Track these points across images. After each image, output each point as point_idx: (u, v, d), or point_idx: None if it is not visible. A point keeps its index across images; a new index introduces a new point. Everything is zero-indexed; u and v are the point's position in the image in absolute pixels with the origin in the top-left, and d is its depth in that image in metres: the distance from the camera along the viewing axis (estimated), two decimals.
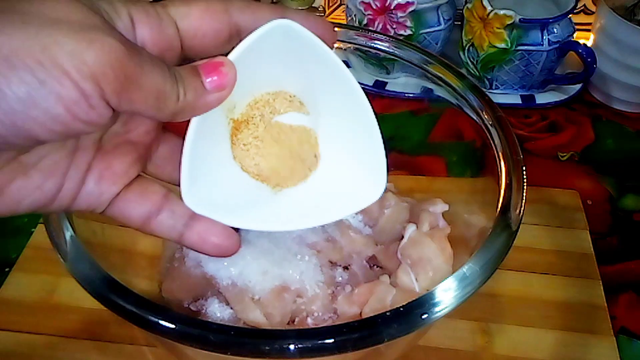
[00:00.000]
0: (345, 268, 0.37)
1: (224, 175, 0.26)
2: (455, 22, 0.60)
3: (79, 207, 0.25)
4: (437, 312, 0.26)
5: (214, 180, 0.26)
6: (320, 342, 0.25)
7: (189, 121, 0.24)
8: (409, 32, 0.57)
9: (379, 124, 0.26)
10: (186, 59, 0.24)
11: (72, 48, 0.19)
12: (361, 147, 0.26)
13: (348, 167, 0.27)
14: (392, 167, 0.42)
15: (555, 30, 0.55)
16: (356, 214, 0.40)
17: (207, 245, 0.27)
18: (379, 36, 0.41)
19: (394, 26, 0.57)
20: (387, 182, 0.27)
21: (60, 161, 0.23)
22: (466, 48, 0.58)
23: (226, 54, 0.24)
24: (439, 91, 0.39)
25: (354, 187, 0.27)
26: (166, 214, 0.26)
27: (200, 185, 0.25)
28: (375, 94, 0.57)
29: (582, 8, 0.66)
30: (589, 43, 0.59)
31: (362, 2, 0.56)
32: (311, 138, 0.27)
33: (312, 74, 0.26)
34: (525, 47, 0.55)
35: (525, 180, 0.32)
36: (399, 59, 0.41)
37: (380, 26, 0.57)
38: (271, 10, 0.25)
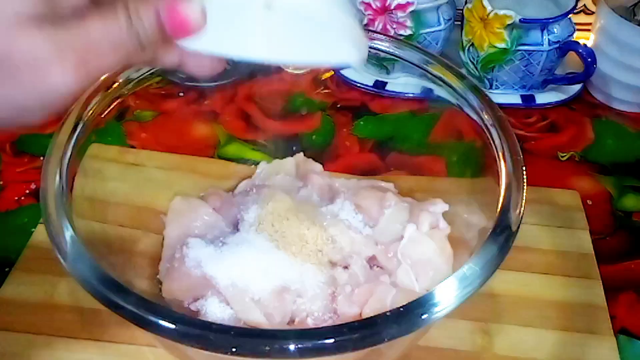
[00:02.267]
0: (346, 268, 0.37)
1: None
2: (456, 22, 0.60)
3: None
4: (437, 313, 0.26)
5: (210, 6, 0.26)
6: (320, 342, 0.25)
7: None
8: (409, 32, 0.57)
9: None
10: None
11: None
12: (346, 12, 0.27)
13: (338, 21, 0.27)
14: (393, 167, 0.42)
15: (555, 30, 0.55)
16: (356, 213, 0.40)
17: None
18: (379, 36, 0.41)
19: (394, 26, 0.57)
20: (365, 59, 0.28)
21: None
22: (466, 48, 0.58)
23: None
24: (439, 91, 0.39)
25: (342, 40, 0.27)
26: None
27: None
28: (376, 94, 0.57)
29: (582, 8, 0.66)
30: (589, 43, 0.59)
31: (362, 2, 0.56)
32: None
33: None
34: (526, 47, 0.55)
35: (525, 181, 0.32)
36: (399, 59, 0.41)
37: (380, 26, 0.57)
38: None
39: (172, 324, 0.25)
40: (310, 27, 0.27)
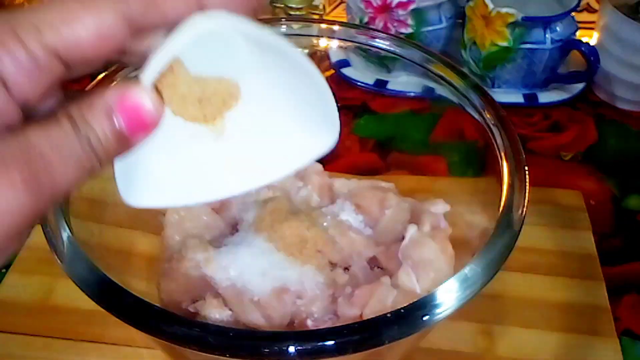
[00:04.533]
0: (346, 269, 0.37)
1: (157, 135, 0.22)
2: (457, 21, 0.59)
3: None
4: (438, 314, 0.26)
5: (148, 156, 0.22)
6: (320, 344, 0.24)
7: None
8: (410, 30, 0.56)
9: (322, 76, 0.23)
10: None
11: None
12: (306, 95, 0.24)
13: (295, 115, 0.24)
14: (393, 167, 0.42)
15: (558, 28, 0.54)
16: (356, 214, 0.40)
17: None
18: (380, 34, 0.41)
19: (395, 24, 0.56)
20: (344, 138, 0.25)
21: None
22: (468, 46, 0.58)
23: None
24: (441, 90, 0.39)
25: (306, 135, 0.24)
26: None
27: (136, 173, 0.23)
28: (376, 92, 0.57)
29: (585, 6, 0.66)
30: (592, 41, 0.58)
31: (363, 0, 0.56)
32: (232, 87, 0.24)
33: (246, 62, 0.23)
34: (528, 46, 0.55)
35: (527, 181, 0.31)
36: (400, 58, 0.40)
37: (381, 24, 0.57)
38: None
39: (171, 325, 0.25)
40: (270, 142, 0.24)
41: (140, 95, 0.20)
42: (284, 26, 0.43)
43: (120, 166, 0.22)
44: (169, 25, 0.20)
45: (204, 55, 0.21)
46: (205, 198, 0.25)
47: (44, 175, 0.18)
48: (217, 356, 0.25)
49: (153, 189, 0.23)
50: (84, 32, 0.19)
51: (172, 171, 0.23)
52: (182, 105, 0.22)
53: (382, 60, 0.57)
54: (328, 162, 0.47)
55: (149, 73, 0.20)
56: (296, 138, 0.25)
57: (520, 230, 0.29)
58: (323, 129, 0.24)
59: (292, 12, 0.62)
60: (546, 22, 0.54)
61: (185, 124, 0.23)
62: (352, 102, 0.55)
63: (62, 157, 0.18)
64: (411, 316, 0.26)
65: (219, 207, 0.42)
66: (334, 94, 0.24)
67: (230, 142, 0.24)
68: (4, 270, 0.42)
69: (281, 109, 0.24)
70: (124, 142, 0.20)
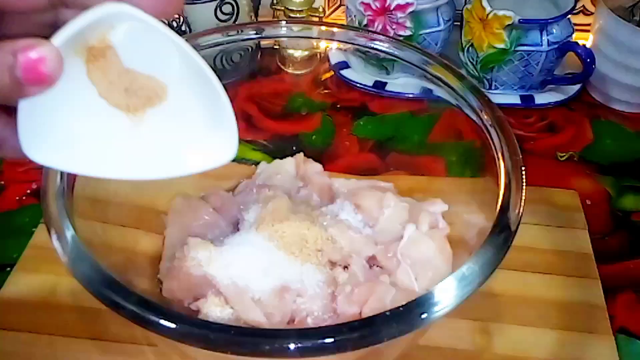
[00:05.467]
0: (345, 268, 0.38)
1: (75, 108, 0.24)
2: (455, 23, 0.60)
3: None
4: (436, 312, 0.26)
5: (61, 117, 0.24)
6: (320, 341, 0.25)
7: None
8: (408, 32, 0.57)
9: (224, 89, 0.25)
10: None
11: None
12: (210, 107, 0.26)
13: (200, 125, 0.26)
14: (392, 167, 0.42)
15: (554, 30, 0.55)
16: (356, 213, 0.40)
17: None
18: (379, 37, 0.41)
19: (394, 27, 0.57)
20: (238, 146, 0.27)
21: None
22: (466, 49, 0.58)
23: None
24: (439, 91, 0.39)
25: (206, 144, 0.26)
26: (9, 143, 0.23)
27: (43, 129, 0.24)
28: (375, 94, 0.57)
29: (581, 9, 0.66)
30: (588, 44, 0.59)
31: (362, 2, 0.56)
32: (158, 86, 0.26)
33: (176, 69, 0.25)
34: (525, 48, 0.55)
35: (524, 181, 0.32)
36: (398, 60, 0.41)
37: (380, 27, 0.57)
38: None
39: (173, 323, 0.25)
40: (178, 143, 0.26)
41: (44, 50, 0.20)
42: (284, 28, 0.43)
43: (28, 119, 0.23)
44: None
45: (140, 53, 0.23)
46: (101, 173, 0.25)
47: None
48: (219, 354, 0.25)
49: (55, 149, 0.24)
50: None
51: (79, 138, 0.24)
52: (109, 90, 0.24)
53: (381, 62, 0.57)
54: (328, 162, 0.47)
55: (61, 36, 0.21)
56: (201, 146, 0.26)
57: (517, 230, 0.30)
58: (225, 142, 0.26)
59: (292, 15, 0.62)
60: (543, 25, 0.54)
61: (108, 106, 0.24)
62: (352, 103, 0.55)
63: None
64: (409, 314, 0.26)
65: (220, 207, 0.42)
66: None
67: (142, 132, 0.25)
68: (8, 269, 0.43)
69: (195, 117, 0.26)
70: (17, 87, 0.21)
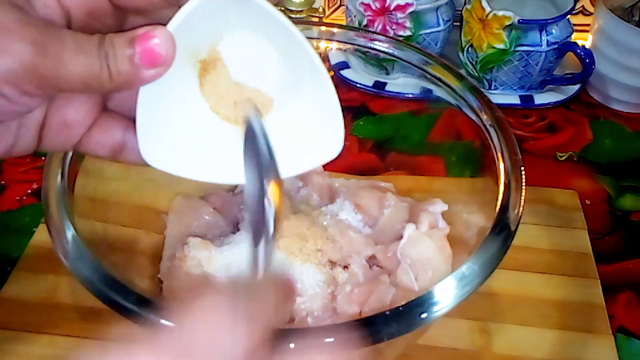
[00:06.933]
0: (345, 267, 0.38)
1: (189, 118, 0.25)
2: (455, 23, 0.60)
3: (44, 149, 0.25)
4: (436, 312, 0.26)
5: (176, 126, 0.25)
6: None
7: None
8: (408, 33, 0.57)
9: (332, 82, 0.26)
10: (124, 11, 0.23)
11: None
12: (318, 103, 0.26)
13: (307, 124, 0.27)
14: (392, 167, 0.42)
15: (553, 31, 0.55)
16: (356, 213, 0.40)
17: None
18: (379, 37, 0.41)
19: (394, 27, 0.57)
20: (345, 140, 0.27)
21: (6, 128, 0.23)
22: (465, 49, 0.58)
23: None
24: (439, 92, 0.39)
25: (315, 142, 0.27)
26: (129, 146, 0.25)
27: (159, 136, 0.25)
28: (375, 94, 0.57)
29: (580, 9, 0.66)
30: (587, 44, 0.59)
31: (362, 3, 0.56)
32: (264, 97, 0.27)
33: (265, 37, 0.25)
34: (524, 48, 0.55)
35: (524, 180, 0.32)
36: (398, 60, 0.41)
37: (379, 27, 0.57)
38: None
39: (173, 322, 0.25)
40: (285, 146, 0.25)
41: (159, 32, 0.22)
42: None
43: (146, 126, 0.24)
44: None
45: (246, 65, 0.25)
46: (212, 179, 0.26)
47: (52, 56, 0.20)
48: None
49: (170, 156, 0.25)
50: None
51: (192, 147, 0.26)
52: (219, 104, 0.25)
53: (381, 62, 0.58)
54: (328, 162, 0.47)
55: (174, 22, 0.22)
56: (308, 146, 0.27)
57: (516, 230, 0.30)
58: (332, 136, 0.27)
59: (292, 15, 0.62)
60: (542, 25, 0.54)
61: (219, 120, 0.26)
62: (352, 103, 0.55)
63: (77, 48, 0.21)
64: (409, 314, 0.26)
65: (221, 207, 0.42)
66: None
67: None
68: (9, 268, 0.43)
69: (300, 121, 0.26)
70: (134, 70, 0.22)
